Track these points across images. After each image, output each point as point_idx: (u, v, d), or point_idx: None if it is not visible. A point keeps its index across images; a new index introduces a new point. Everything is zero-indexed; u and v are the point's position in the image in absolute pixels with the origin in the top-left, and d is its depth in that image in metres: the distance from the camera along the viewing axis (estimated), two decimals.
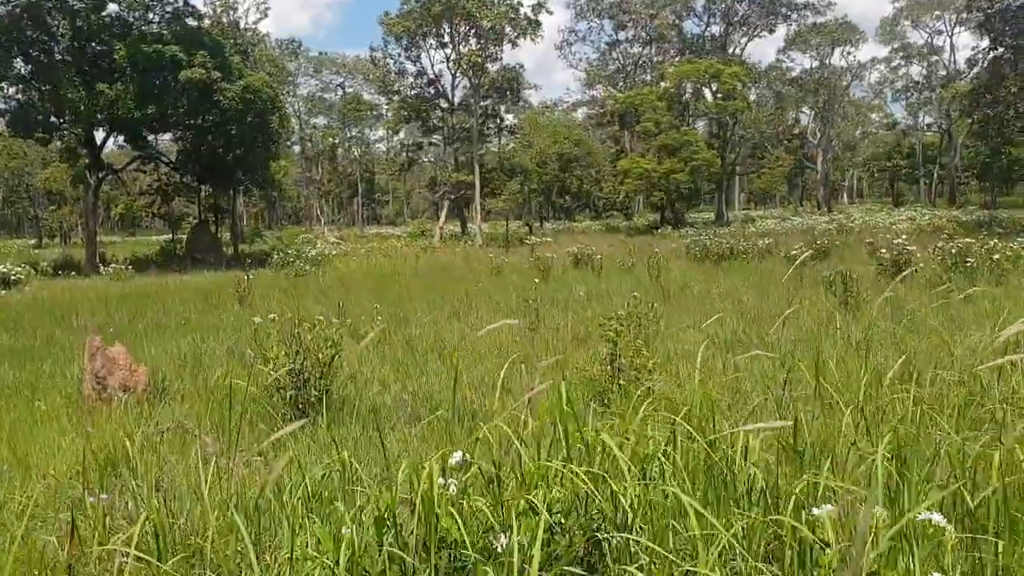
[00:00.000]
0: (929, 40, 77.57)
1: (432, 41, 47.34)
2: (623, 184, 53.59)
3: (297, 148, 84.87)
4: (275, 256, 30.86)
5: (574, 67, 78.57)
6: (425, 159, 70.93)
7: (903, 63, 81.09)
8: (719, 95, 53.25)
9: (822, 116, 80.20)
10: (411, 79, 49.85)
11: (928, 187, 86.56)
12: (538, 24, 45.36)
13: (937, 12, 74.97)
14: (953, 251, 18.62)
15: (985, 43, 71.08)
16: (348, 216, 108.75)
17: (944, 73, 76.13)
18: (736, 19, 65.57)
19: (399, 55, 48.96)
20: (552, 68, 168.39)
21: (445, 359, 10.29)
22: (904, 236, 17.87)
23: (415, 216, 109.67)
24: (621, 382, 7.61)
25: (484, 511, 3.30)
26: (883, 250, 17.48)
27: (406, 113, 50.12)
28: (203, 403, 8.23)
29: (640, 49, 73.12)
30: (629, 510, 3.18)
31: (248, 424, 7.41)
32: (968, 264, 16.62)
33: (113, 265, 29.83)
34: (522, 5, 43.22)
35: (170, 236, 54.60)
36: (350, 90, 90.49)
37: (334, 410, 7.61)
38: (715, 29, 67.46)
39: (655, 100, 53.55)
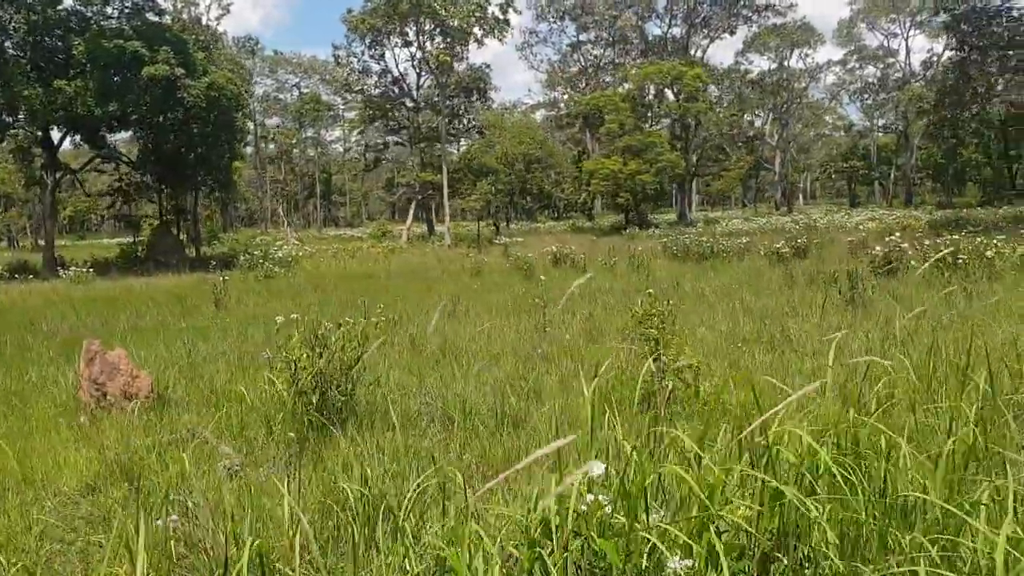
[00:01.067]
0: (885, 43, 78.91)
1: (397, 39, 46.73)
2: (589, 185, 53.45)
3: (250, 149, 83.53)
4: (242, 258, 30.08)
5: (535, 68, 78.38)
6: (384, 160, 70.12)
7: (859, 65, 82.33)
8: (682, 96, 53.41)
9: (780, 118, 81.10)
10: (375, 78, 49.20)
11: (883, 188, 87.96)
12: (507, 23, 45.05)
13: (892, 15, 76.27)
14: (942, 248, 18.64)
15: (940, 46, 72.72)
16: (303, 218, 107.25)
17: (900, 75, 77.44)
18: (698, 20, 65.89)
19: (362, 53, 48.31)
20: (508, 69, 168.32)
21: (459, 360, 9.84)
22: (897, 233, 17.70)
23: (373, 218, 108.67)
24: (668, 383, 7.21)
25: (643, 532, 2.88)
26: (876, 247, 17.37)
27: (370, 112, 49.42)
28: (212, 410, 7.68)
29: (602, 51, 73.22)
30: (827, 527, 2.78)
31: (267, 430, 6.90)
32: (960, 262, 16.56)
33: (73, 268, 28.72)
34: (490, 4, 42.86)
35: (126, 238, 53.07)
36: (306, 90, 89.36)
37: (361, 416, 7.13)
38: (676, 31, 67.80)
39: (619, 101, 53.51)
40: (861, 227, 37.65)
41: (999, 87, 39.00)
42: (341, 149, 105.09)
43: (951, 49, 68.73)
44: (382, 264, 32.16)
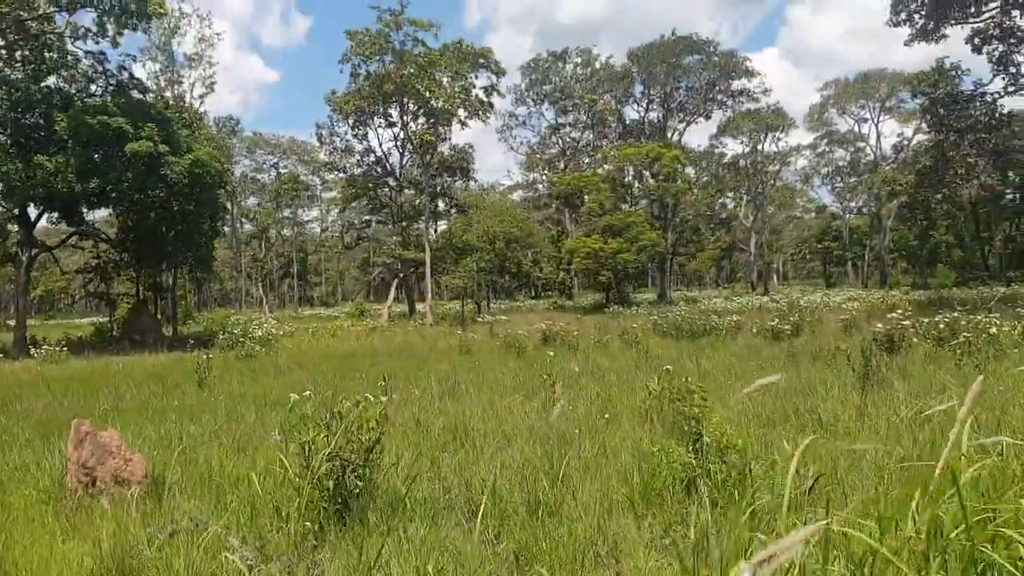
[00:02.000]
0: (855, 127, 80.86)
1: (380, 120, 47.01)
2: (571, 263, 53.46)
3: (227, 229, 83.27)
4: (221, 336, 29.38)
5: (515, 150, 79.29)
6: (364, 238, 70.01)
7: (829, 149, 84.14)
8: (660, 177, 54.03)
9: (755, 200, 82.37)
10: (358, 157, 49.33)
11: (857, 269, 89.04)
12: (491, 106, 45.58)
13: (862, 101, 78.33)
14: (940, 326, 18.46)
15: (910, 130, 74.71)
16: (278, 297, 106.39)
17: (870, 159, 79.19)
18: (674, 105, 67.30)
19: (346, 133, 48.56)
20: (484, 151, 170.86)
21: (470, 441, 9.26)
22: (899, 311, 17.46)
23: (348, 298, 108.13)
24: (709, 466, 6.70)
25: None
26: (878, 324, 17.10)
27: (353, 191, 49.36)
28: (215, 497, 7.04)
29: (580, 133, 74.44)
30: None
31: (279, 520, 6.28)
32: (963, 339, 16.32)
33: (45, 347, 27.79)
34: (474, 87, 43.43)
35: (98, 317, 52.01)
36: (284, 170, 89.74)
37: (381, 503, 6.53)
38: (653, 115, 69.11)
39: (599, 182, 54.02)
40: (844, 306, 37.70)
41: (979, 168, 39.83)
42: (318, 229, 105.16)
43: (923, 133, 70.75)
44: (365, 343, 31.53)
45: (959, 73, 35.47)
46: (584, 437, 9.11)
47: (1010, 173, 60.64)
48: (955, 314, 19.36)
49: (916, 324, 17.62)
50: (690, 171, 64.32)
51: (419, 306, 48.78)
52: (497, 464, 7.91)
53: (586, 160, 73.55)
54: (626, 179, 56.55)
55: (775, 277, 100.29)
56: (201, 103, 46.45)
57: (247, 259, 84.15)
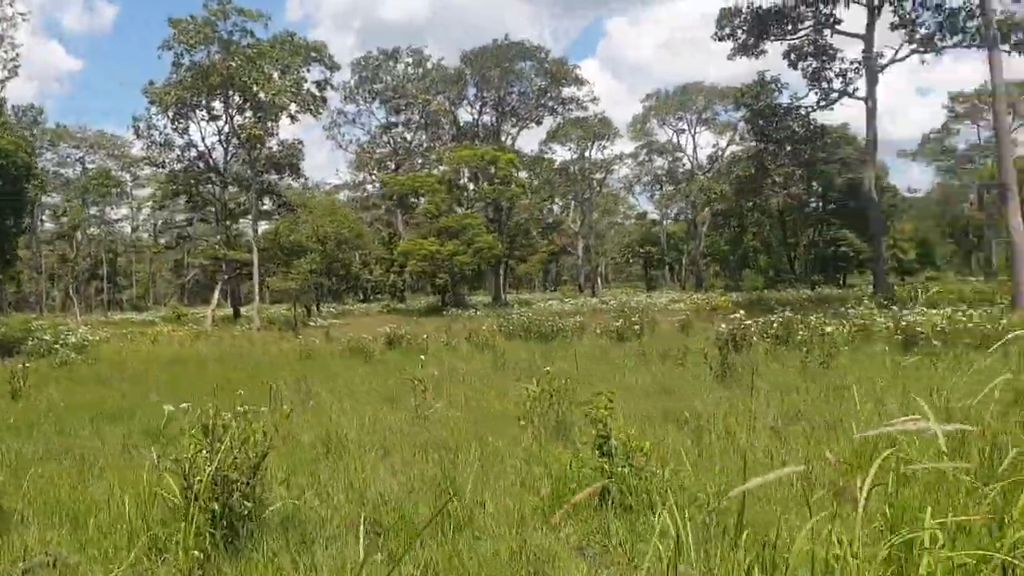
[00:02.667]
0: (674, 138, 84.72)
1: (203, 113, 44.47)
2: (405, 266, 52.75)
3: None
4: (29, 343, 26.69)
5: (344, 148, 77.48)
6: (186, 237, 66.12)
7: (649, 158, 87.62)
8: (496, 180, 54.37)
9: (582, 205, 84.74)
10: (178, 151, 46.35)
11: (674, 272, 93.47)
12: (323, 101, 44.22)
13: (680, 112, 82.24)
14: (775, 325, 19.43)
15: (724, 141, 79.15)
16: (84, 301, 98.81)
17: (688, 168, 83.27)
18: (507, 109, 67.99)
19: (165, 126, 45.52)
20: (308, 148, 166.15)
21: (347, 453, 8.63)
22: (741, 312, 18.14)
23: (160, 302, 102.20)
24: (618, 469, 6.46)
25: None
26: (722, 325, 17.69)
27: (174, 188, 46.40)
28: (69, 526, 6.11)
29: (413, 133, 73.84)
30: None
31: (153, 550, 5.49)
32: (799, 338, 17.20)
33: None
34: (306, 81, 41.86)
35: None
36: (92, 165, 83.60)
37: (272, 525, 5.86)
38: (487, 118, 69.58)
39: (435, 183, 53.69)
40: (671, 307, 39.28)
41: (795, 177, 42.58)
42: (128, 228, 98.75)
43: (736, 144, 75.11)
44: (190, 349, 29.60)
45: (778, 86, 37.85)
46: (468, 444, 8.70)
47: (814, 183, 65.46)
48: (788, 314, 20.46)
49: (755, 323, 18.38)
50: (524, 175, 65.21)
51: (244, 309, 46.57)
52: (379, 477, 7.41)
53: (419, 161, 73.00)
54: (461, 181, 56.53)
55: (599, 280, 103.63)
56: (2, 88, 42.23)
57: (52, 260, 77.65)
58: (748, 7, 37.15)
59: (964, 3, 35.83)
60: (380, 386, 14.71)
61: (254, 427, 6.07)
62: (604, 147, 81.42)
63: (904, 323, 17.21)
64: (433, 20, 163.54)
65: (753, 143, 71.41)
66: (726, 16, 37.60)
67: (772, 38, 38.12)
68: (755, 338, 18.06)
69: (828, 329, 16.96)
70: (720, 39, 38.32)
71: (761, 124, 37.36)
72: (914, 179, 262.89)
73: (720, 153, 79.68)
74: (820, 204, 68.58)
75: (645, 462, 6.67)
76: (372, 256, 77.56)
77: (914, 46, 37.06)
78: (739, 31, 38.08)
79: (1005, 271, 71.76)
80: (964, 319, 18.05)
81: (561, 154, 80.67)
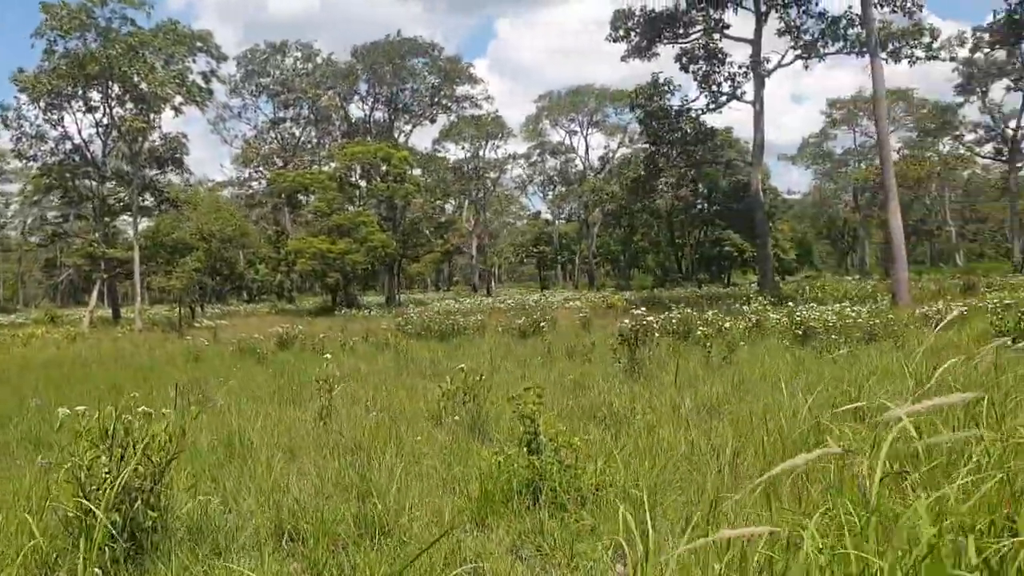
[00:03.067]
0: (566, 139, 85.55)
1: (80, 103, 41.92)
2: (295, 264, 51.30)
3: None
4: None
5: (229, 144, 74.97)
6: (57, 236, 62.40)
7: (542, 159, 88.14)
8: (390, 178, 53.54)
9: (476, 204, 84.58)
10: (52, 144, 43.52)
11: (566, 271, 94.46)
12: (210, 92, 42.45)
13: (572, 114, 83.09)
14: (674, 321, 19.66)
15: (615, 143, 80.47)
16: None
17: (580, 168, 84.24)
18: (400, 106, 67.14)
19: (36, 117, 42.68)
20: (190, 144, 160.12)
21: (252, 457, 8.09)
22: (642, 309, 18.25)
23: (29, 303, 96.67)
24: (548, 466, 6.22)
25: None
26: (626, 320, 17.71)
27: (48, 182, 43.59)
28: None
29: (302, 129, 72.07)
30: None
31: (45, 570, 4.93)
32: (699, 333, 17.42)
33: None
34: (191, 72, 40.01)
35: None
36: None
37: (180, 536, 5.35)
38: (379, 115, 68.52)
39: (326, 180, 52.45)
40: (568, 305, 39.47)
41: (688, 178, 43.50)
42: None
43: (625, 146, 76.46)
44: (69, 351, 27.84)
45: (671, 88, 38.58)
46: (383, 445, 8.30)
47: (700, 185, 67.34)
48: (686, 311, 20.76)
49: (656, 319, 18.51)
50: (418, 173, 64.48)
51: (124, 311, 44.24)
52: (297, 481, 6.97)
53: (308, 158, 71.32)
54: (353, 178, 55.40)
55: (493, 280, 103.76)
56: None
57: None
58: (641, 10, 37.82)
59: (845, 12, 37.46)
60: (279, 387, 14.09)
61: (155, 430, 5.55)
62: (498, 146, 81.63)
63: (798, 318, 17.64)
64: (322, 16, 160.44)
65: (644, 145, 73.16)
66: (620, 18, 38.11)
67: (664, 41, 38.86)
68: (657, 334, 18.17)
69: (726, 324, 17.24)
70: (615, 40, 38.82)
71: (655, 126, 38.04)
72: (793, 182, 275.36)
73: (611, 154, 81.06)
74: (706, 205, 70.64)
75: (575, 458, 6.47)
76: (258, 255, 75.23)
77: (798, 52, 38.42)
78: (632, 33, 38.66)
79: (877, 270, 75.74)
80: (853, 315, 18.70)
81: (454, 153, 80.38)
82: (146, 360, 22.69)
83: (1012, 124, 64.45)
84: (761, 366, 13.56)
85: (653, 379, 12.64)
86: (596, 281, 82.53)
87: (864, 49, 37.24)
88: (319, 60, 69.38)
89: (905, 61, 37.06)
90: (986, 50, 57.63)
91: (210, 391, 13.46)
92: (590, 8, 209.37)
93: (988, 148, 66.82)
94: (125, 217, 46.97)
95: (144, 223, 54.76)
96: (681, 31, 38.22)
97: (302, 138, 72.88)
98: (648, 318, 18.11)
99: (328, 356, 12.18)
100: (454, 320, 24.90)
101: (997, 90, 65.10)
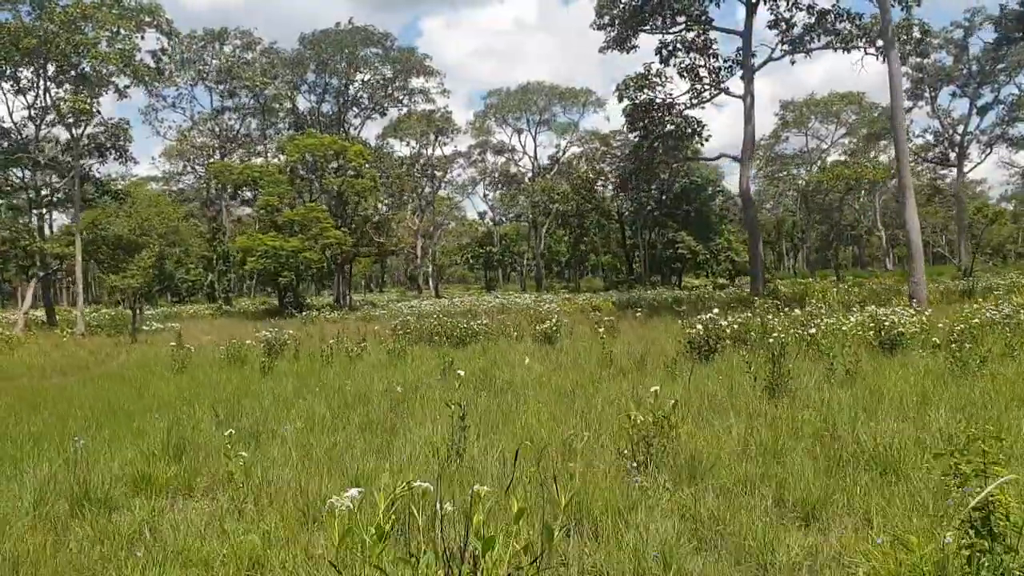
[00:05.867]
0: (516, 138, 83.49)
1: (10, 84, 37.76)
2: (245, 264, 47.84)
3: None
4: None
5: (162, 135, 70.37)
6: None
7: (482, 157, 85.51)
8: (346, 172, 50.54)
9: (421, 203, 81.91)
10: None
11: (513, 273, 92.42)
12: (159, 72, 38.81)
13: (517, 113, 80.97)
14: (735, 326, 17.66)
15: (564, 142, 78.92)
16: None
17: (529, 168, 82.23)
18: (349, 98, 63.94)
19: None
20: None
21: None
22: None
23: None
24: None
25: None
26: (698, 327, 15.72)
27: None
28: None
29: (242, 120, 68.24)
30: None
31: None
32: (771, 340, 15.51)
33: None
34: (139, 50, 36.36)
35: None
36: None
37: None
38: (327, 107, 65.23)
39: (276, 173, 49.19)
40: (544, 307, 37.26)
41: (681, 172, 41.90)
42: None
43: (576, 145, 74.75)
44: (10, 360, 24.40)
45: (663, 80, 36.92)
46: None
47: (651, 185, 66.03)
48: (747, 315, 18.84)
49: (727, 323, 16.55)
50: (376, 169, 61.43)
51: (74, 311, 40.15)
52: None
53: (246, 151, 67.64)
54: (303, 172, 52.14)
55: (437, 280, 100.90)
56: None
57: None
58: None
59: (834, 6, 36.42)
60: (341, 406, 11.51)
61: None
62: (445, 144, 79.18)
63: (886, 324, 15.79)
64: (242, 11, 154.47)
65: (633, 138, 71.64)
66: (607, 5, 36.23)
67: (649, 30, 37.18)
68: (728, 341, 16.27)
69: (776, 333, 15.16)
70: (599, 28, 36.88)
71: (644, 119, 36.31)
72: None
73: (560, 154, 79.42)
74: (657, 208, 69.34)
75: None
76: (188, 254, 70.86)
77: (786, 47, 37.26)
78: (617, 21, 36.84)
79: (821, 272, 76.02)
80: (896, 319, 16.58)
81: (399, 149, 77.45)
82: (120, 370, 19.72)
83: (960, 129, 65.06)
84: (894, 381, 11.65)
85: (798, 398, 10.62)
86: (544, 282, 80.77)
87: (850, 44, 36.49)
88: (260, 50, 65.57)
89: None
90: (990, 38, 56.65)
91: (261, 416, 10.90)
92: (511, 10, 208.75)
93: (935, 153, 67.23)
94: (63, 209, 42.78)
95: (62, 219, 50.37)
96: (668, 21, 36.64)
97: (241, 130, 68.93)
98: (720, 322, 16.23)
99: (368, 363, 9.71)
100: (466, 324, 22.42)
101: (945, 95, 65.64)
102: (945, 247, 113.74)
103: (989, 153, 67.13)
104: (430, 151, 77.62)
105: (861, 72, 62.48)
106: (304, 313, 41.78)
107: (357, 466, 7.47)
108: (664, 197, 69.50)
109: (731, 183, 79.57)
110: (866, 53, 35.80)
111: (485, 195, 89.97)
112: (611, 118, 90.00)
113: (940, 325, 17.27)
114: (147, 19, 35.91)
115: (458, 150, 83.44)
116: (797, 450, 7.52)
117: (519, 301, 43.71)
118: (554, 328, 21.32)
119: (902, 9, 33.69)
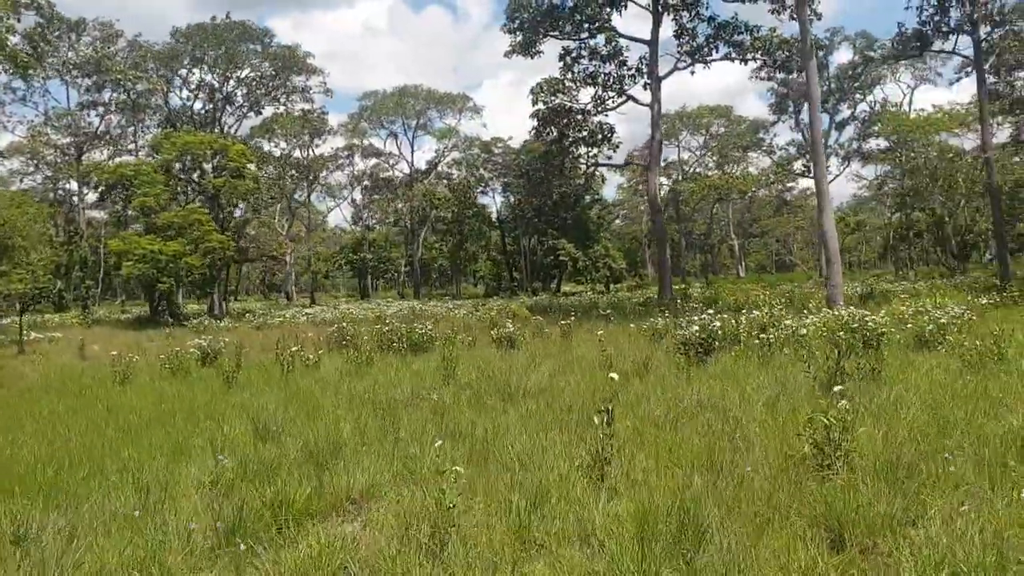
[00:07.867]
0: (389, 142, 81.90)
1: None
2: (120, 269, 44.39)
3: None
4: None
5: (10, 131, 64.52)
6: None
7: (349, 161, 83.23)
8: (226, 173, 47.81)
9: (291, 207, 79.09)
10: None
11: (392, 280, 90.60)
12: (39, 57, 35.37)
13: (393, 117, 79.51)
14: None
15: (443, 147, 78.15)
16: None
17: (407, 173, 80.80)
18: (220, 97, 60.67)
19: None
20: None
21: None
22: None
23: None
24: None
25: None
26: (694, 328, 15.55)
27: None
28: None
29: (102, 118, 63.61)
30: None
31: None
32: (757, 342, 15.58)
33: None
34: (14, 32, 32.82)
35: None
36: None
37: None
38: (199, 105, 61.71)
39: (153, 173, 45.94)
40: (452, 314, 36.51)
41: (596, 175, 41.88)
42: None
43: (457, 151, 74.27)
44: None
45: (578, 85, 36.94)
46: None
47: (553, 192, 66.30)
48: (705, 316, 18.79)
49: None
50: (252, 167, 58.47)
51: None
52: None
53: (129, 147, 63.20)
54: (180, 173, 48.93)
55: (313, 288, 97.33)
56: None
57: None
58: (537, 1, 35.95)
59: (732, 18, 37.56)
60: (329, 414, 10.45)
61: None
62: (318, 146, 76.73)
63: (868, 324, 16.09)
64: (81, 5, 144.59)
65: (472, 152, 71.50)
66: (517, 8, 35.97)
67: (557, 35, 37.21)
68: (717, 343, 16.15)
69: (802, 331, 15.36)
70: (510, 31, 36.59)
71: (563, 123, 36.22)
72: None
73: (439, 158, 78.58)
74: (538, 215, 69.67)
75: None
76: (38, 258, 65.38)
77: (687, 60, 38.13)
78: (525, 26, 36.67)
79: (689, 279, 78.76)
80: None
81: (268, 149, 74.16)
82: (39, 381, 17.57)
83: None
84: (919, 376, 11.79)
85: (866, 393, 10.49)
86: (422, 290, 79.61)
87: (747, 56, 37.74)
88: (122, 42, 61.26)
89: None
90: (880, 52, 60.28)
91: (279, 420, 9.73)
92: (361, 13, 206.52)
93: (798, 165, 70.87)
94: None
95: None
96: (569, 29, 36.84)
97: (101, 127, 64.20)
98: (715, 323, 16.11)
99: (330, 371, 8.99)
100: (412, 329, 21.33)
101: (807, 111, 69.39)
102: (795, 256, 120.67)
103: (848, 166, 71.46)
104: (303, 152, 75.04)
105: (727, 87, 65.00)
106: (195, 321, 39.18)
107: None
108: (543, 204, 69.89)
109: (607, 192, 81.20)
110: (764, 65, 37.15)
111: (353, 200, 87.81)
112: (488, 124, 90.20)
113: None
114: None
115: (333, 151, 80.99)
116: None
117: (418, 308, 42.72)
118: (517, 332, 20.73)
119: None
